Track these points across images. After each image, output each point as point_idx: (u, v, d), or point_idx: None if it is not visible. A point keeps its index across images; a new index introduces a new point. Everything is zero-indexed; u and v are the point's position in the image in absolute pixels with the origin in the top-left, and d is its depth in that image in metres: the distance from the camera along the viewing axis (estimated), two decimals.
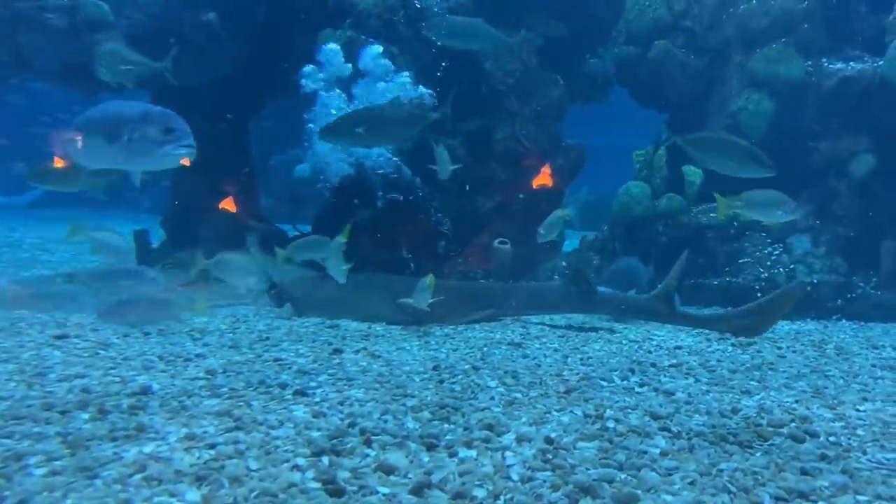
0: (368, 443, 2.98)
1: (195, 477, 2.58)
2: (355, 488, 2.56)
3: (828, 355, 5.21)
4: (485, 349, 5.01)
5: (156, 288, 4.94)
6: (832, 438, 3.25)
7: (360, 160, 7.01)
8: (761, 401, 3.83)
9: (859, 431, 3.36)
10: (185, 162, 3.61)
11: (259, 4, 8.55)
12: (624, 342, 5.47)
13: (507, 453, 2.92)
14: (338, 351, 4.75)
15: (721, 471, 2.80)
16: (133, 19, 7.94)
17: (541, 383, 4.03)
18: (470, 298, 6.26)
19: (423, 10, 8.02)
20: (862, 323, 6.94)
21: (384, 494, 2.53)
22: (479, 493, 2.56)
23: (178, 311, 4.51)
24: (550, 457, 2.89)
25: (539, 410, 3.51)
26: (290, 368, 4.21)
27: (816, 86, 7.80)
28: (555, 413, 3.48)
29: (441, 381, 4.01)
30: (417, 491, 2.56)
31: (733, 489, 2.65)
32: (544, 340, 5.43)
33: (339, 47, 7.11)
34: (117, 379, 3.81)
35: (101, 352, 4.47)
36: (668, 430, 3.26)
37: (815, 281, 7.27)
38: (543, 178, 7.88)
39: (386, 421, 3.27)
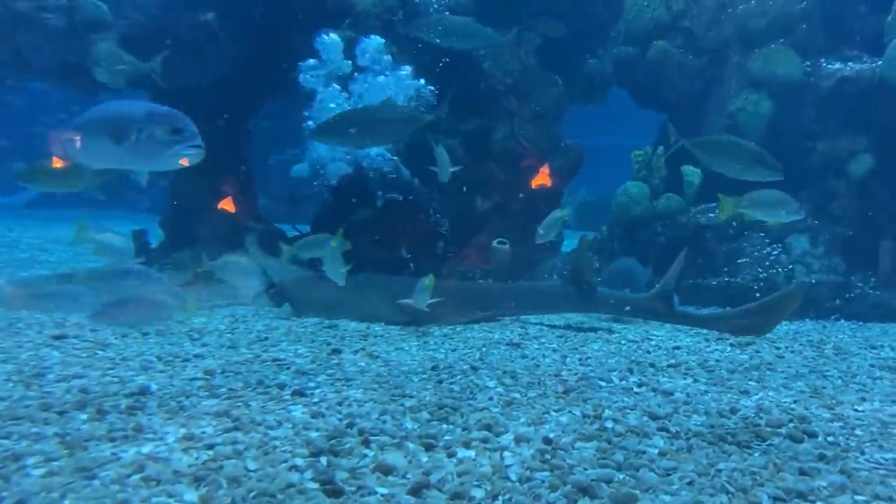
0: (367, 443, 2.98)
1: (193, 477, 2.57)
2: (353, 489, 2.56)
3: (826, 355, 5.21)
4: (483, 349, 5.00)
5: (160, 288, 4.95)
6: (830, 438, 3.25)
7: (359, 160, 7.01)
8: (760, 401, 3.83)
9: (857, 431, 3.36)
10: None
11: (258, 5, 8.55)
12: (622, 342, 5.47)
13: (506, 453, 2.92)
14: (336, 351, 4.75)
15: (719, 471, 2.80)
16: (131, 19, 7.94)
17: (539, 383, 4.03)
18: (469, 299, 6.26)
19: (422, 11, 8.02)
20: (860, 323, 6.95)
21: (382, 495, 2.52)
22: (478, 493, 2.56)
23: (171, 312, 4.51)
24: (549, 457, 2.89)
25: (537, 411, 3.51)
26: (288, 369, 4.21)
27: (815, 86, 7.81)
28: (553, 413, 3.48)
29: (440, 382, 4.01)
30: (416, 491, 2.55)
31: (731, 489, 2.65)
32: (543, 341, 5.43)
33: (338, 38, 7.11)
34: (115, 379, 3.81)
35: (100, 352, 4.47)
36: (667, 431, 3.26)
37: (813, 281, 7.28)
38: (542, 179, 7.88)
39: (384, 421, 3.27)
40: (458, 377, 4.12)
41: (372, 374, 4.13)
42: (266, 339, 5.12)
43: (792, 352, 5.29)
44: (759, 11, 8.18)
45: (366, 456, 2.85)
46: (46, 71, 8.14)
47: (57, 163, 4.38)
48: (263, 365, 4.29)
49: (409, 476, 2.67)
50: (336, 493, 2.52)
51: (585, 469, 2.78)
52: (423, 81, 7.24)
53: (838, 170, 7.67)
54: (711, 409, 3.62)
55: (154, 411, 3.30)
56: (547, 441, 3.06)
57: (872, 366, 4.89)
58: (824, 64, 7.87)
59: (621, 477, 2.72)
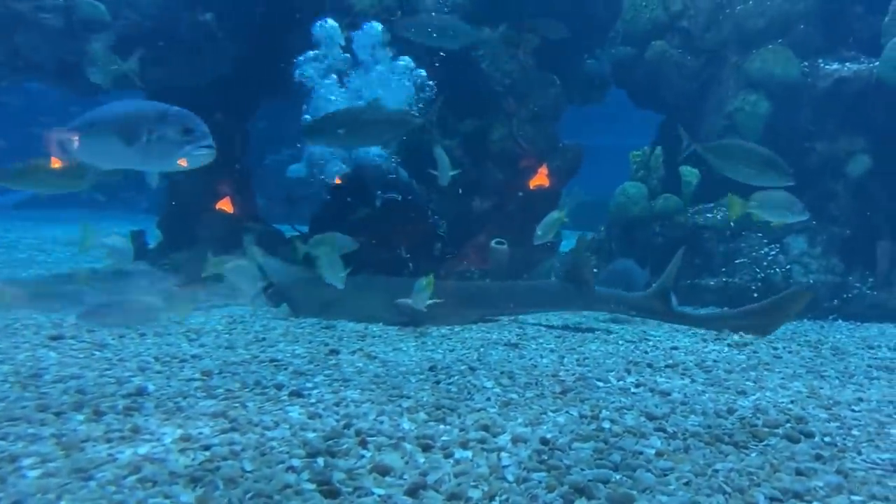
0: (364, 444, 2.97)
1: (190, 478, 2.57)
2: (350, 489, 2.55)
3: (824, 355, 5.22)
4: (481, 350, 5.00)
5: (163, 287, 4.98)
6: (827, 439, 3.25)
7: (358, 160, 7.02)
8: (757, 401, 3.83)
9: (854, 432, 3.36)
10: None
11: (256, 5, 8.55)
12: (620, 342, 5.47)
13: (503, 454, 2.92)
14: (334, 352, 4.74)
15: (716, 471, 2.80)
16: (130, 20, 7.93)
17: (537, 384, 4.03)
18: (467, 299, 6.26)
19: (420, 11, 8.02)
20: (858, 323, 6.96)
21: (379, 495, 2.52)
22: (475, 494, 2.56)
23: (159, 313, 4.52)
24: (546, 457, 2.89)
25: (535, 411, 3.51)
26: (286, 369, 4.20)
27: (812, 86, 7.83)
28: (551, 414, 3.48)
29: (437, 382, 4.01)
30: (413, 492, 2.55)
31: (728, 490, 2.65)
32: (541, 341, 5.43)
33: (336, 25, 7.10)
34: (113, 380, 3.80)
35: (97, 353, 4.46)
36: (664, 431, 3.26)
37: (811, 281, 7.30)
38: (540, 179, 7.89)
39: (382, 422, 3.27)
40: (456, 378, 4.12)
41: (370, 375, 4.13)
42: (264, 339, 5.12)
43: (789, 352, 5.29)
44: (756, 12, 8.20)
45: (363, 457, 2.85)
46: (44, 71, 8.13)
47: (55, 163, 4.35)
48: (261, 365, 4.29)
49: (406, 477, 2.67)
50: (333, 493, 2.52)
51: (582, 469, 2.78)
52: (423, 72, 7.24)
53: (836, 170, 7.68)
54: (709, 410, 3.62)
55: (151, 412, 3.30)
56: (544, 441, 3.06)
57: (870, 366, 4.89)
58: (822, 64, 7.89)
59: (618, 477, 2.72)
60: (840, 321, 7.04)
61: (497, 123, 8.64)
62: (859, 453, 3.08)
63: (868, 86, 7.55)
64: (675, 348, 5.28)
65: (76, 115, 3.74)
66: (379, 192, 6.78)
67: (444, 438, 3.07)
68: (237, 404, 3.45)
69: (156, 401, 3.46)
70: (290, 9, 8.17)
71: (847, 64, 7.82)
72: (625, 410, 3.56)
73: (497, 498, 2.54)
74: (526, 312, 6.46)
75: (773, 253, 7.50)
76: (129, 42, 7.67)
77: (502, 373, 4.25)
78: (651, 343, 5.48)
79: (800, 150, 7.75)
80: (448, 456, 2.89)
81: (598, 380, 4.18)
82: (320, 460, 2.79)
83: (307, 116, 6.93)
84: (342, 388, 3.83)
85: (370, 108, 5.73)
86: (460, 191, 7.71)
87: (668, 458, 2.93)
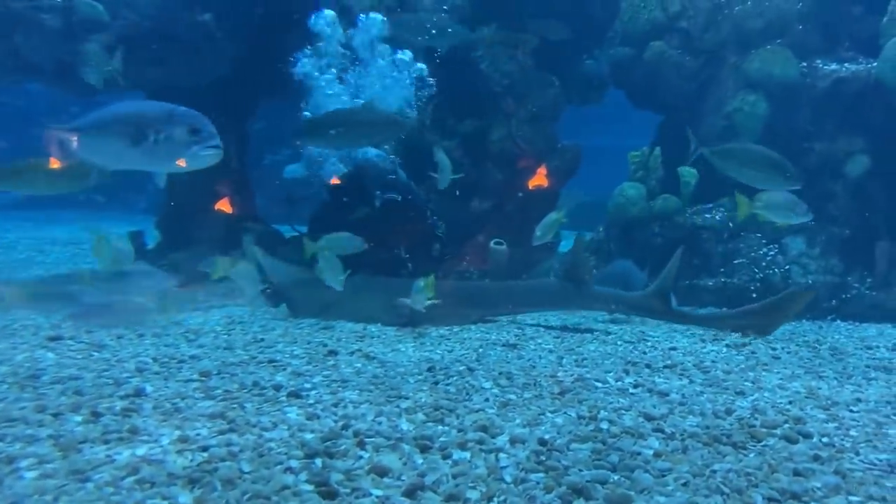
0: (362, 445, 2.97)
1: (188, 479, 2.57)
2: (348, 490, 2.55)
3: (822, 356, 5.22)
4: (480, 350, 5.00)
5: (165, 286, 4.99)
6: (825, 439, 3.25)
7: (358, 159, 7.01)
8: (755, 402, 3.83)
9: (852, 432, 3.36)
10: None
11: (255, 5, 8.54)
12: (619, 343, 5.47)
13: (501, 455, 2.92)
14: (333, 352, 4.74)
15: (714, 472, 2.80)
16: (128, 20, 7.93)
17: (535, 384, 4.03)
18: (465, 299, 6.26)
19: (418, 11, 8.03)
20: (856, 323, 6.96)
21: (377, 496, 2.52)
22: (473, 494, 2.56)
23: (149, 315, 4.52)
24: (544, 458, 2.89)
25: (533, 412, 3.51)
26: (284, 370, 4.20)
27: (811, 87, 7.83)
28: (549, 414, 3.48)
29: (436, 383, 4.01)
30: (411, 493, 2.55)
31: (726, 490, 2.65)
32: (539, 341, 5.43)
33: (334, 13, 7.09)
34: (111, 381, 3.80)
35: (95, 354, 4.46)
36: (662, 432, 3.26)
37: (810, 281, 7.30)
38: (539, 179, 7.89)
39: (380, 423, 3.27)
40: (455, 378, 4.12)
41: (368, 376, 4.13)
42: (262, 340, 5.12)
43: (788, 352, 5.29)
44: (755, 12, 8.20)
45: (361, 457, 2.85)
46: (42, 71, 8.13)
47: (54, 163, 4.33)
48: (259, 366, 4.29)
49: (404, 478, 2.67)
50: (331, 494, 2.52)
51: (580, 470, 2.78)
52: (423, 66, 7.24)
53: (835, 171, 7.68)
54: (707, 410, 3.62)
55: (149, 413, 3.29)
56: (542, 442, 3.06)
57: (868, 366, 4.89)
58: (820, 65, 7.89)
59: (616, 478, 2.72)
60: (839, 321, 7.04)
61: (496, 124, 8.64)
62: (857, 454, 3.08)
63: (867, 86, 7.55)
64: (674, 349, 5.28)
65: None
66: (378, 193, 6.78)
67: (442, 439, 3.07)
68: (235, 405, 3.45)
69: (154, 402, 3.46)
70: (288, 9, 8.17)
71: (845, 64, 7.83)
72: (623, 411, 3.56)
73: (495, 499, 2.54)
74: (524, 312, 6.46)
75: (771, 253, 7.50)
76: (127, 42, 7.67)
77: (501, 373, 4.25)
78: (649, 344, 5.48)
79: (798, 150, 7.75)
80: (446, 457, 2.89)
81: (597, 380, 4.18)
82: (318, 461, 2.79)
83: (307, 113, 6.93)
84: (340, 388, 3.83)
85: (363, 109, 5.72)
86: (458, 193, 7.70)
87: (667, 458, 2.93)
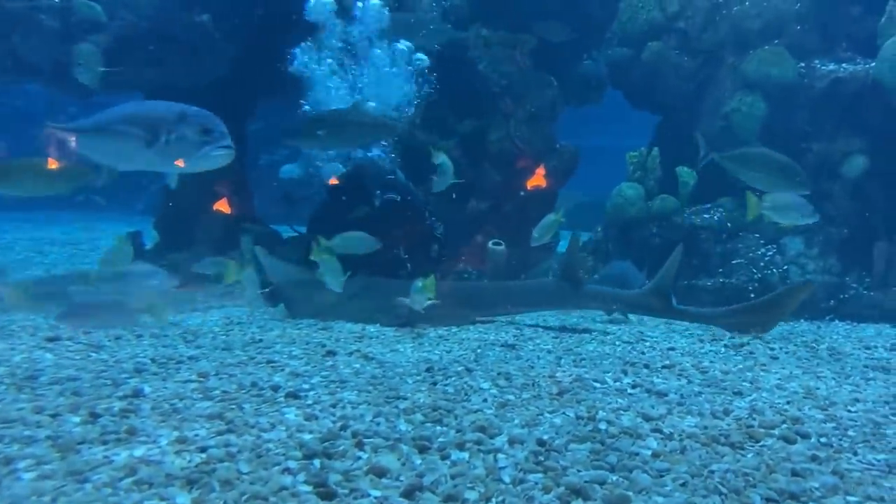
0: (360, 445, 2.97)
1: (186, 480, 2.57)
2: (347, 491, 2.55)
3: (820, 356, 5.22)
4: (478, 351, 5.01)
5: (167, 285, 4.99)
6: (823, 440, 3.25)
7: (358, 159, 7.02)
8: (753, 402, 3.84)
9: (850, 432, 3.36)
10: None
11: (254, 6, 8.54)
12: (617, 343, 5.48)
13: (500, 455, 2.92)
14: (331, 353, 4.74)
15: (712, 472, 2.81)
16: (126, 20, 7.93)
17: (534, 385, 4.03)
18: (463, 299, 6.25)
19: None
20: (855, 323, 6.97)
21: (375, 497, 2.52)
22: (471, 495, 2.56)
23: (137, 315, 4.52)
24: (542, 459, 2.89)
25: (532, 412, 3.51)
26: (282, 371, 4.20)
27: (809, 87, 7.83)
28: (547, 415, 3.48)
29: (434, 383, 4.01)
30: (409, 493, 2.55)
31: (724, 490, 2.65)
32: (538, 342, 5.43)
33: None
34: (109, 382, 3.80)
35: (93, 354, 4.46)
36: (660, 432, 3.27)
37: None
38: (537, 180, 7.90)
39: (378, 423, 3.26)
40: (453, 379, 4.12)
41: (366, 376, 4.13)
42: (261, 340, 5.12)
43: (786, 353, 5.30)
44: (753, 13, 8.21)
45: (359, 458, 2.85)
46: (40, 72, 8.12)
47: (52, 163, 4.30)
48: (258, 367, 4.29)
49: (402, 478, 2.67)
50: (329, 495, 2.51)
51: (579, 471, 2.78)
52: (423, 56, 7.24)
53: (832, 171, 7.68)
54: (705, 411, 3.63)
55: (147, 414, 3.29)
56: (541, 443, 3.06)
57: (866, 366, 4.90)
58: (818, 65, 7.90)
59: (614, 478, 2.72)
60: (837, 322, 7.05)
61: (494, 124, 8.65)
62: (855, 454, 3.08)
63: (864, 87, 7.55)
64: (672, 349, 5.29)
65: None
66: (378, 193, 6.79)
67: (440, 440, 3.07)
68: (234, 406, 3.44)
69: (152, 402, 3.45)
70: (287, 10, 8.17)
71: (843, 65, 7.83)
72: (621, 411, 3.56)
73: (493, 499, 2.54)
74: (522, 312, 6.46)
75: (770, 254, 7.51)
76: (125, 43, 7.67)
77: (499, 374, 4.25)
78: (648, 344, 5.49)
79: (796, 150, 7.75)
80: (445, 457, 2.89)
81: (595, 381, 4.18)
82: (317, 462, 2.79)
83: (306, 107, 6.94)
84: (339, 389, 3.83)
85: (352, 110, 5.73)
86: (454, 196, 7.70)
87: (665, 458, 2.93)
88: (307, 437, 3.05)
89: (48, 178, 3.99)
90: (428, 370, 4.31)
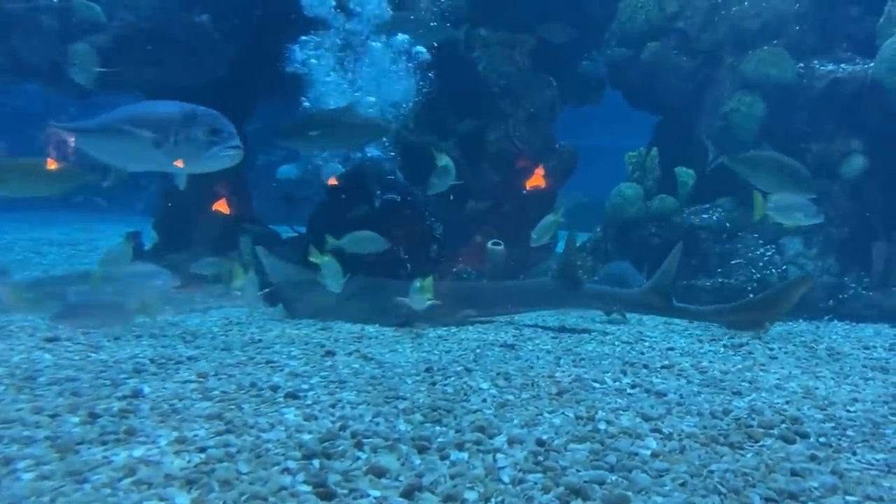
0: (360, 445, 2.97)
1: (185, 481, 2.57)
2: (346, 491, 2.55)
3: (819, 356, 5.23)
4: (477, 351, 5.01)
5: (168, 284, 4.99)
6: (822, 439, 3.26)
7: (358, 159, 7.03)
8: (752, 402, 3.84)
9: (849, 432, 3.37)
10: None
11: (253, 6, 8.54)
12: (616, 343, 5.48)
13: (499, 455, 2.92)
14: (330, 353, 4.74)
15: (711, 472, 2.81)
16: (125, 21, 7.92)
17: (533, 385, 4.03)
18: (461, 299, 6.25)
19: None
20: (853, 324, 6.97)
21: (375, 497, 2.52)
22: (470, 495, 2.56)
23: (132, 315, 4.52)
24: (542, 459, 2.89)
25: (531, 412, 3.51)
26: (281, 371, 4.20)
27: (808, 87, 7.83)
28: (546, 415, 3.48)
29: (433, 384, 4.01)
30: (408, 494, 2.55)
31: (724, 490, 2.65)
32: (537, 342, 5.43)
33: None
34: (108, 382, 3.79)
35: (92, 355, 4.45)
36: (660, 432, 3.27)
37: None
38: (536, 180, 7.90)
39: (377, 423, 3.26)
40: (452, 379, 4.12)
41: (366, 376, 4.13)
42: (260, 341, 5.12)
43: (785, 353, 5.30)
44: (752, 13, 8.21)
45: (358, 458, 2.85)
46: (38, 72, 8.12)
47: (51, 164, 4.28)
48: (257, 367, 4.29)
49: (401, 478, 2.67)
50: (328, 495, 2.52)
51: (578, 471, 2.78)
52: (423, 49, 7.24)
53: (831, 171, 7.69)
54: (704, 411, 3.63)
55: (146, 414, 3.29)
56: (540, 443, 3.06)
57: (865, 366, 4.90)
58: (817, 65, 7.90)
59: (614, 478, 2.73)
60: (836, 322, 7.05)
61: (493, 124, 8.65)
62: (854, 454, 3.09)
63: (863, 87, 7.56)
64: (671, 349, 5.29)
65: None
66: (378, 193, 6.79)
67: (440, 440, 3.07)
68: (233, 406, 3.44)
69: (151, 403, 3.45)
70: (285, 10, 8.17)
71: (842, 65, 7.84)
72: (621, 411, 3.56)
73: (493, 499, 2.54)
74: (521, 312, 6.46)
75: (769, 254, 7.51)
76: (125, 43, 7.67)
77: (498, 374, 4.25)
78: (647, 344, 5.49)
79: (795, 150, 7.74)
80: (444, 457, 2.90)
81: (595, 381, 4.18)
82: (316, 462, 2.79)
83: (307, 103, 6.95)
84: (338, 389, 3.83)
85: (344, 112, 5.74)
86: (451, 197, 7.70)
87: (664, 458, 2.94)
88: (306, 437, 3.05)
89: (41, 179, 3.97)
90: (427, 370, 4.31)
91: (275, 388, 3.76)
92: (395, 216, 6.69)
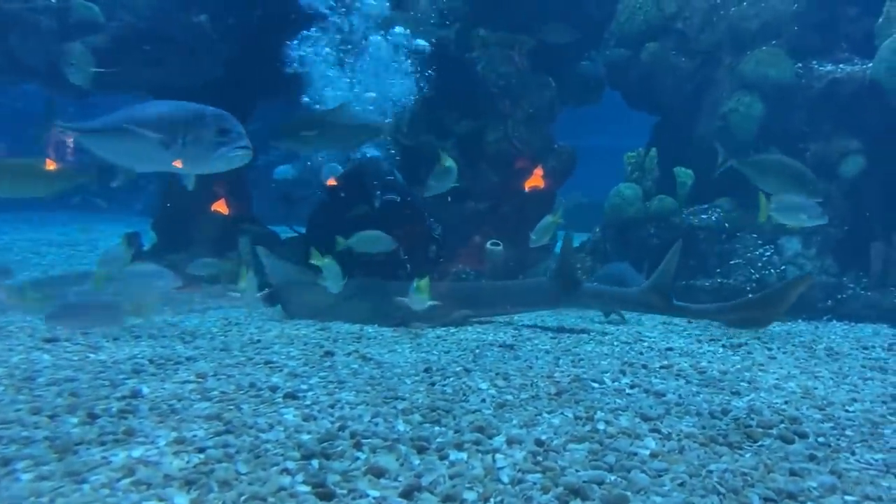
0: (359, 446, 2.97)
1: (184, 481, 2.57)
2: (345, 492, 2.55)
3: (818, 356, 5.23)
4: (477, 351, 5.01)
5: (168, 284, 5.00)
6: (821, 439, 3.26)
7: (360, 158, 7.03)
8: (751, 402, 3.84)
9: (848, 432, 3.37)
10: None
11: (253, 7, 8.54)
12: (615, 343, 5.48)
13: (498, 455, 2.92)
14: (329, 353, 4.74)
15: (710, 472, 2.81)
16: (124, 21, 7.92)
17: (532, 385, 4.03)
18: (460, 299, 6.25)
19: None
20: (852, 324, 6.98)
21: (374, 498, 2.52)
22: (470, 495, 2.56)
23: (123, 316, 4.52)
24: (541, 459, 2.89)
25: (530, 412, 3.51)
26: (280, 371, 4.20)
27: (806, 88, 7.85)
28: (545, 415, 3.48)
29: (432, 384, 4.01)
30: (407, 494, 2.55)
31: (723, 490, 2.65)
32: (536, 342, 5.43)
33: None
34: (107, 383, 3.79)
35: (91, 355, 4.45)
36: (659, 432, 3.27)
37: None
38: (535, 180, 7.90)
39: (377, 424, 3.26)
40: (451, 379, 4.12)
41: (364, 377, 4.13)
42: (259, 341, 5.11)
43: (784, 353, 5.31)
44: (751, 14, 8.22)
45: (357, 459, 2.85)
46: (37, 72, 8.11)
47: (50, 164, 4.27)
48: (256, 367, 4.28)
49: (400, 479, 2.67)
50: (327, 496, 2.51)
51: (577, 471, 2.79)
52: (423, 42, 7.25)
53: (830, 171, 7.70)
54: (703, 411, 3.63)
55: (145, 415, 3.29)
56: (539, 443, 3.06)
57: (863, 366, 4.90)
58: (816, 66, 7.91)
59: (613, 478, 2.73)
60: (834, 322, 7.06)
61: (492, 125, 8.65)
62: (853, 454, 3.09)
63: (862, 87, 7.57)
64: (670, 349, 5.29)
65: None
66: (378, 193, 6.79)
67: (439, 440, 3.07)
68: (232, 406, 3.44)
69: (150, 403, 3.45)
70: (284, 11, 8.17)
71: (841, 65, 7.85)
72: (620, 412, 3.57)
73: (492, 499, 2.54)
74: (520, 312, 6.46)
75: (767, 254, 7.52)
76: (123, 43, 7.66)
77: (497, 374, 4.25)
78: (646, 344, 5.49)
79: (794, 151, 7.75)
80: (443, 458, 2.90)
81: (593, 381, 4.18)
82: (315, 462, 2.79)
83: (306, 98, 6.96)
84: (337, 389, 3.83)
85: (337, 111, 5.74)
86: (449, 199, 7.69)
87: (663, 458, 2.94)
88: (305, 437, 3.05)
89: (32, 180, 3.94)
90: (426, 370, 4.31)
91: (274, 389, 3.76)
92: (394, 216, 6.69)
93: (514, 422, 3.35)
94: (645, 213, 8.01)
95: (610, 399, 3.81)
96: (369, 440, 3.04)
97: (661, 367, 4.64)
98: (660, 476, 2.77)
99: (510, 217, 8.64)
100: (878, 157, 7.53)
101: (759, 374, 4.55)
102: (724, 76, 8.34)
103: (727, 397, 3.95)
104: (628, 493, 2.60)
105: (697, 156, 8.15)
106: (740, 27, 8.27)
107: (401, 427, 3.23)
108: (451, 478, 2.69)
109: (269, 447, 2.92)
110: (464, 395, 3.80)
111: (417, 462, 2.84)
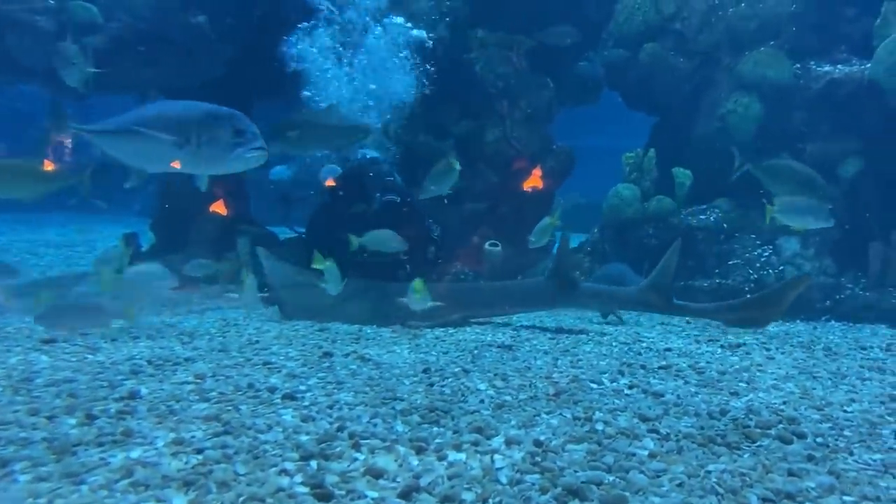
0: (357, 446, 2.97)
1: (182, 482, 2.56)
2: (343, 492, 2.55)
3: (816, 356, 5.24)
4: (475, 352, 5.01)
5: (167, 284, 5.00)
6: (819, 439, 3.26)
7: (357, 160, 7.03)
8: (749, 402, 3.84)
9: (846, 432, 3.37)
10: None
11: (252, 7, 8.53)
12: (614, 344, 5.48)
13: (496, 456, 2.92)
14: (328, 354, 4.74)
15: (709, 472, 2.81)
16: (123, 21, 7.91)
17: (531, 386, 4.03)
18: (458, 299, 6.24)
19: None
20: (851, 324, 6.98)
21: (372, 498, 2.52)
22: (468, 496, 2.56)
23: (110, 317, 4.52)
24: (539, 459, 2.89)
25: (528, 413, 3.51)
26: (279, 372, 4.20)
27: (805, 88, 7.86)
28: (544, 415, 3.48)
29: (431, 384, 4.01)
30: (406, 495, 2.55)
31: (721, 490, 2.66)
32: (535, 343, 5.43)
33: None
34: (105, 383, 3.79)
35: (89, 356, 4.45)
36: (657, 432, 3.27)
37: None
38: (534, 181, 7.90)
39: (375, 424, 3.26)
40: (450, 380, 4.12)
41: (363, 377, 4.13)
42: (257, 342, 5.11)
43: (782, 353, 5.31)
44: (749, 14, 8.23)
45: (356, 459, 2.85)
46: (35, 73, 8.10)
47: (48, 165, 4.27)
48: (254, 368, 4.28)
49: (399, 479, 2.67)
50: (326, 496, 2.51)
51: (575, 471, 2.79)
52: (423, 33, 7.25)
53: (828, 172, 7.69)
54: (702, 411, 3.63)
55: (144, 415, 3.28)
56: (537, 443, 3.06)
57: (862, 367, 4.91)
58: (814, 66, 7.92)
59: (611, 479, 2.73)
60: (833, 322, 7.06)
61: (490, 125, 8.65)
62: (851, 454, 3.09)
63: (860, 87, 7.57)
64: (669, 350, 5.29)
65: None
66: (378, 194, 6.79)
67: (437, 441, 3.07)
68: (230, 407, 3.44)
69: (148, 404, 3.45)
70: (285, 10, 8.16)
71: (839, 66, 7.86)
72: (618, 412, 3.57)
73: (490, 500, 2.54)
74: (518, 312, 6.46)
75: (766, 254, 7.53)
76: (122, 44, 7.66)
77: (496, 375, 4.25)
78: (644, 345, 5.50)
79: (792, 151, 7.77)
80: (441, 458, 2.89)
81: (592, 381, 4.19)
82: (313, 463, 2.79)
83: (306, 93, 6.97)
84: (336, 390, 3.83)
85: (326, 113, 5.74)
86: (446, 200, 7.69)
87: (661, 459, 2.94)
88: (304, 438, 3.04)
89: (24, 181, 3.93)
90: (425, 371, 4.31)
91: (272, 390, 3.76)
92: (393, 217, 6.68)
93: (513, 422, 3.35)
94: (643, 213, 8.01)
95: (608, 399, 3.81)
96: (368, 441, 3.04)
97: (660, 368, 4.64)
98: (658, 476, 2.77)
99: (508, 217, 8.64)
100: (877, 158, 7.54)
101: (758, 374, 4.56)
102: (723, 77, 8.35)
103: (726, 398, 3.95)
104: (627, 494, 2.60)
105: (696, 156, 8.16)
106: (738, 28, 8.28)
107: (399, 428, 3.23)
108: (449, 478, 2.69)
109: (267, 448, 2.92)
110: (462, 395, 3.80)
111: (416, 463, 2.84)
